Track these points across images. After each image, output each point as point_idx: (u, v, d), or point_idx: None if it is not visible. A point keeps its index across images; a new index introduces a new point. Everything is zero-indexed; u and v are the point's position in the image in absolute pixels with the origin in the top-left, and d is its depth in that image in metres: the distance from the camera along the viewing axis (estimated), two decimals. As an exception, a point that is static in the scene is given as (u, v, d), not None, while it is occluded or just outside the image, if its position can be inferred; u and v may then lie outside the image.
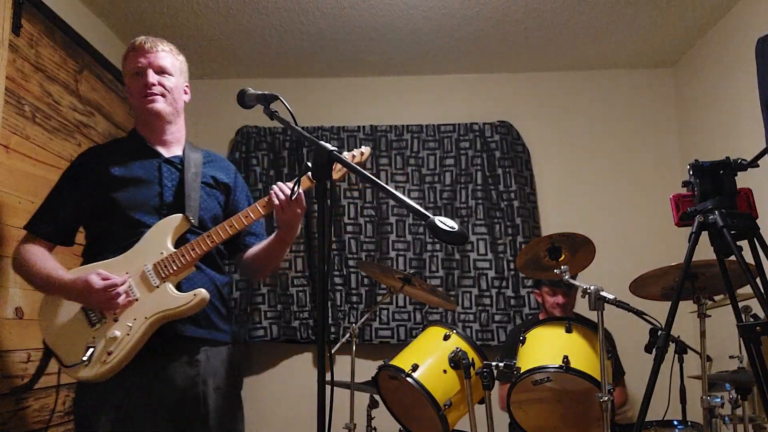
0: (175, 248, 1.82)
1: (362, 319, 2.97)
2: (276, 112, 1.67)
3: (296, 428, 3.64)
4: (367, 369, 3.11)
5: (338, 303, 3.84)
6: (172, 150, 1.98)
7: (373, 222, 3.94)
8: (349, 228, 3.92)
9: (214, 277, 1.92)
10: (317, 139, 1.74)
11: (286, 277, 3.87)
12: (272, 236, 2.01)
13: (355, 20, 3.46)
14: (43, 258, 1.83)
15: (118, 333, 1.74)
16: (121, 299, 1.74)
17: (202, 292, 1.80)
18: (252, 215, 1.88)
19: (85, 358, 1.70)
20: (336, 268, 3.87)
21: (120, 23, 3.47)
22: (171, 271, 1.80)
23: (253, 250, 2.05)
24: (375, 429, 2.92)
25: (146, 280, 1.79)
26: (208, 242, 1.83)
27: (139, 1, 3.26)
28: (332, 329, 3.78)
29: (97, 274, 1.74)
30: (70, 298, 1.78)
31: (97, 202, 1.86)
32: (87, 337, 1.75)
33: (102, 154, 1.95)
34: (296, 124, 1.58)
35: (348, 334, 2.80)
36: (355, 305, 3.85)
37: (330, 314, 3.79)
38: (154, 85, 1.90)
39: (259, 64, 3.98)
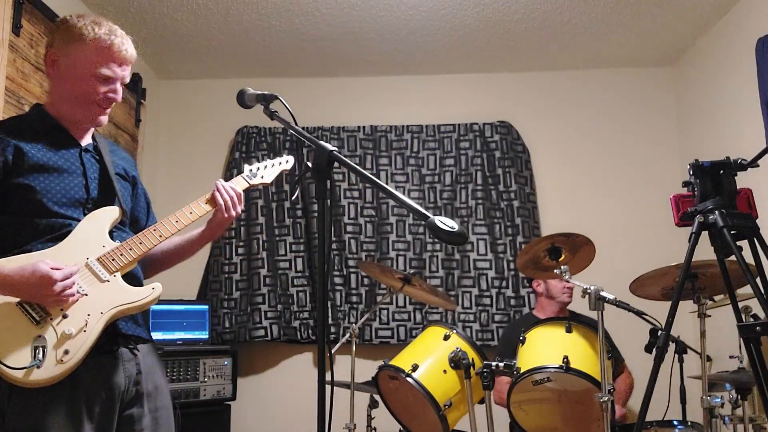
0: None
1: (362, 319, 2.97)
2: (276, 112, 1.67)
3: (296, 428, 3.64)
4: (367, 369, 3.12)
5: (338, 303, 3.84)
6: (86, 138, 1.80)
7: (373, 222, 3.94)
8: (349, 228, 3.92)
9: (137, 272, 1.80)
10: (317, 139, 1.74)
11: (286, 277, 3.87)
12: (195, 232, 1.90)
13: (355, 20, 3.46)
14: None
15: (73, 329, 1.57)
16: (76, 292, 1.58)
17: (159, 286, 1.70)
18: (196, 211, 1.81)
19: (37, 360, 1.52)
20: (336, 268, 3.87)
21: (120, 23, 3.45)
22: (120, 265, 1.68)
23: (163, 244, 1.85)
24: (375, 429, 2.92)
25: (93, 273, 1.65)
26: (157, 236, 1.73)
27: (140, 1, 3.27)
28: (332, 329, 3.78)
29: (46, 263, 1.53)
30: (7, 292, 1.55)
31: (5, 188, 1.62)
32: (30, 336, 1.54)
33: (4, 134, 1.65)
34: (296, 124, 1.58)
35: (348, 334, 2.80)
36: (355, 305, 3.85)
37: (330, 314, 3.79)
38: (114, 101, 1.74)
39: (259, 64, 3.98)
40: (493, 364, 2.36)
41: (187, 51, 3.75)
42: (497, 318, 3.77)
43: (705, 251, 1.94)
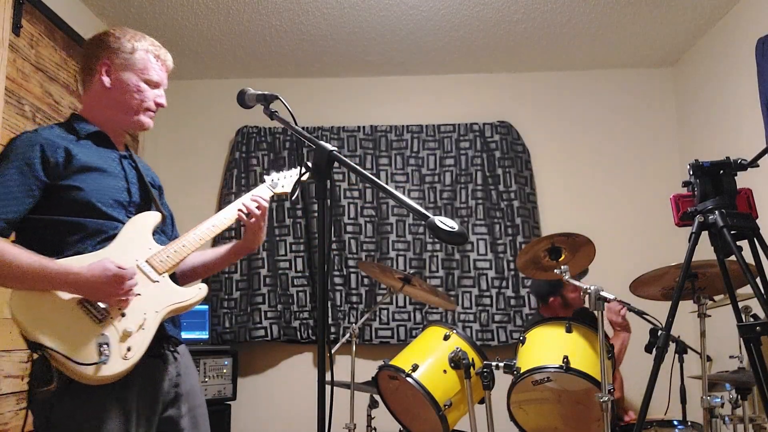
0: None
1: (362, 319, 2.97)
2: (276, 112, 1.67)
3: (296, 428, 3.64)
4: (367, 369, 3.12)
5: (338, 303, 3.84)
6: (120, 147, 1.87)
7: (373, 222, 3.94)
8: (349, 228, 3.92)
9: (174, 276, 1.85)
10: (317, 139, 1.74)
11: (286, 277, 3.87)
12: (230, 245, 2.00)
13: (355, 20, 3.46)
14: (14, 247, 1.57)
15: (132, 327, 1.63)
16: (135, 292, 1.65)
17: (205, 287, 1.77)
18: (229, 216, 1.91)
19: (104, 357, 1.56)
20: (336, 268, 3.87)
21: (120, 23, 3.47)
22: (168, 266, 1.75)
23: (202, 258, 1.97)
24: (375, 429, 2.92)
25: (144, 274, 1.71)
26: (197, 239, 1.81)
27: (140, 1, 3.27)
28: (332, 329, 3.78)
29: (114, 263, 1.59)
30: (73, 289, 1.59)
31: (54, 189, 1.66)
32: (95, 334, 1.58)
33: (53, 138, 1.70)
34: (296, 124, 1.58)
35: (348, 334, 2.80)
36: (355, 305, 3.85)
37: (330, 314, 3.79)
38: (162, 106, 1.88)
39: (259, 64, 3.98)
40: (493, 363, 2.36)
41: (187, 51, 3.75)
42: (497, 318, 3.77)
43: (705, 251, 1.94)
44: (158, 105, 1.86)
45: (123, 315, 1.63)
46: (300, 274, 3.89)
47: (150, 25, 3.49)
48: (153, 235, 1.78)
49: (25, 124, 2.58)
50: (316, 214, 2.55)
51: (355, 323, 2.87)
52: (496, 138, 3.97)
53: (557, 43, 3.75)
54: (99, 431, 1.57)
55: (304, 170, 2.18)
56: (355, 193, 3.97)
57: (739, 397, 2.51)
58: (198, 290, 1.76)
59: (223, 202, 3.98)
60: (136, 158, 1.88)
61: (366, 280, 3.87)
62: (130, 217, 1.74)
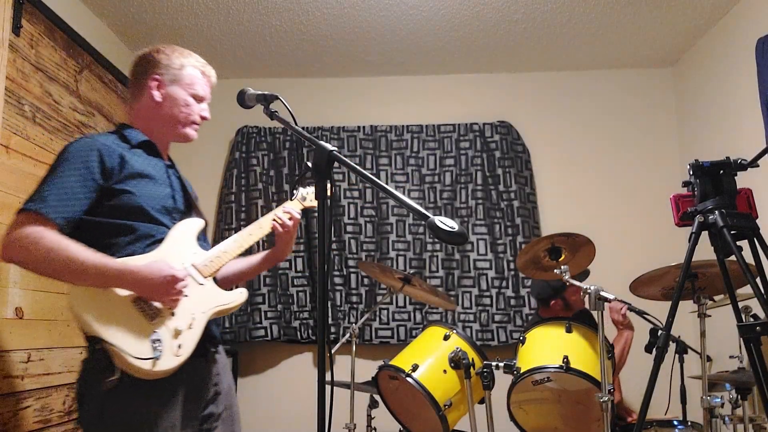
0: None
1: (362, 319, 2.97)
2: (276, 112, 1.68)
3: (296, 428, 3.64)
4: (367, 369, 3.12)
5: (338, 303, 3.84)
6: (165, 157, 1.98)
7: (373, 222, 3.94)
8: (349, 228, 3.92)
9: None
10: (317, 139, 1.74)
11: (286, 277, 3.87)
12: (262, 255, 2.11)
13: (355, 20, 3.46)
14: (76, 244, 1.64)
15: (182, 326, 1.72)
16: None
17: (245, 291, 1.89)
18: (265, 225, 2.02)
19: (158, 353, 1.64)
20: (336, 268, 3.87)
21: (120, 23, 3.47)
22: (212, 270, 1.85)
23: (237, 266, 2.07)
24: (375, 429, 2.92)
25: (191, 277, 1.80)
26: (237, 246, 1.92)
27: (140, 1, 3.27)
28: (332, 329, 3.78)
29: (170, 265, 1.70)
30: (130, 286, 1.67)
31: (108, 192, 1.74)
32: (148, 330, 1.66)
33: (109, 143, 1.80)
34: (296, 124, 1.59)
35: (348, 334, 2.81)
36: (355, 305, 3.85)
37: (330, 314, 3.79)
38: (206, 119, 1.98)
39: (259, 64, 3.98)
40: (494, 363, 2.36)
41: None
42: (497, 318, 3.77)
43: (705, 251, 1.94)
44: (203, 118, 1.96)
45: (173, 314, 1.72)
46: (300, 274, 3.89)
47: (150, 25, 3.49)
48: (196, 240, 1.88)
49: (24, 124, 2.59)
50: (316, 214, 2.56)
51: (355, 323, 2.87)
52: (496, 138, 3.97)
53: (557, 43, 3.75)
54: (151, 425, 1.65)
55: (306, 171, 2.30)
56: (355, 193, 3.97)
57: (739, 397, 2.51)
58: (239, 294, 1.88)
59: (222, 202, 3.98)
60: (177, 168, 1.99)
61: (366, 280, 3.87)
62: (174, 223, 1.83)
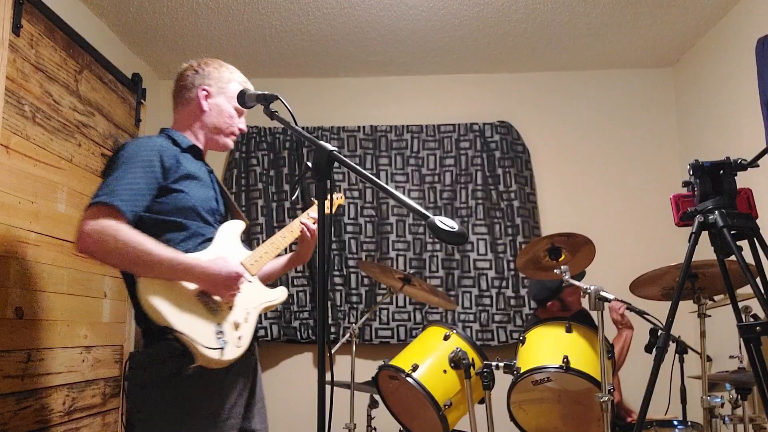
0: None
1: (362, 319, 2.97)
2: (276, 112, 1.68)
3: (296, 428, 3.64)
4: (367, 369, 3.12)
5: (338, 303, 3.84)
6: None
7: (373, 222, 3.94)
8: (349, 228, 3.92)
9: None
10: (317, 139, 1.75)
11: (286, 276, 3.87)
12: (287, 257, 2.23)
13: (355, 20, 3.46)
14: (148, 238, 1.73)
15: (240, 320, 1.84)
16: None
17: (285, 290, 2.05)
18: (296, 229, 2.15)
19: (223, 343, 1.75)
20: (336, 268, 3.87)
21: (120, 23, 3.47)
22: (258, 269, 1.98)
23: (267, 266, 2.15)
24: (375, 429, 2.92)
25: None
26: (275, 248, 2.06)
27: (140, 1, 3.27)
28: (332, 329, 3.78)
29: (231, 262, 1.83)
30: (196, 280, 1.78)
31: (164, 191, 1.83)
32: (211, 323, 1.77)
33: (165, 145, 1.91)
34: (296, 124, 1.59)
35: (348, 334, 2.81)
36: (355, 305, 3.85)
37: (330, 314, 3.80)
38: (243, 132, 2.12)
39: (259, 64, 3.98)
40: (493, 363, 2.36)
41: (187, 51, 3.75)
42: (497, 318, 3.77)
43: (705, 251, 1.94)
44: (240, 131, 2.10)
45: (230, 308, 1.84)
46: (300, 274, 3.90)
47: (150, 25, 3.49)
48: (240, 241, 2.01)
49: (24, 124, 2.59)
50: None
51: (355, 323, 2.87)
52: (496, 138, 3.97)
53: (557, 43, 3.75)
54: (215, 413, 1.76)
55: (340, 195, 2.56)
56: (355, 193, 3.97)
57: (739, 397, 2.51)
58: (281, 292, 2.03)
59: (223, 202, 3.98)
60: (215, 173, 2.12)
61: (366, 280, 3.87)
62: (218, 224, 1.95)
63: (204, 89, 2.02)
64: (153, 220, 1.81)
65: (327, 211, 2.30)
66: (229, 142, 2.09)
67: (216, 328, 1.77)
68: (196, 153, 2.00)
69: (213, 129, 2.04)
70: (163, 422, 1.72)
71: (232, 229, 1.98)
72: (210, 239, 1.89)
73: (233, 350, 1.78)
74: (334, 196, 2.36)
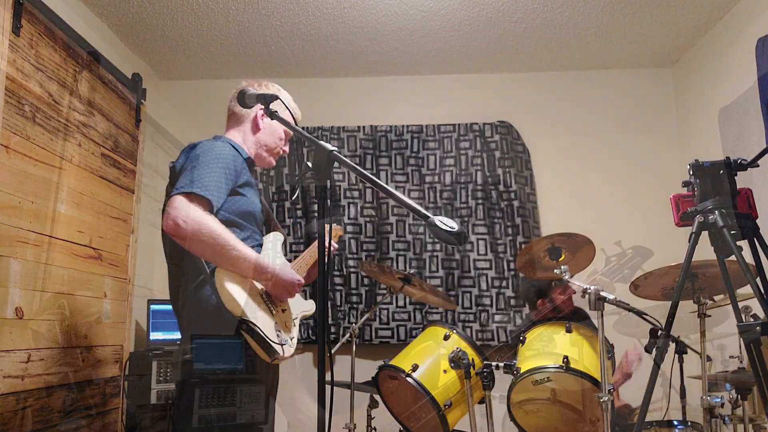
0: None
1: (362, 319, 2.96)
2: (276, 112, 1.68)
3: (296, 428, 3.64)
4: (367, 369, 3.11)
5: (338, 303, 3.84)
6: None
7: (373, 222, 3.94)
8: (349, 228, 3.92)
9: None
10: (317, 139, 1.75)
11: (286, 277, 3.87)
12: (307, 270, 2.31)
13: (355, 20, 3.46)
14: (230, 232, 1.88)
15: (291, 322, 2.00)
16: None
17: (314, 303, 2.18)
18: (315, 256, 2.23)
19: (285, 340, 1.89)
20: (336, 268, 3.87)
21: (120, 23, 3.47)
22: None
23: None
24: (375, 429, 2.92)
25: None
26: (304, 264, 2.18)
27: (140, 1, 3.27)
28: (332, 329, 3.78)
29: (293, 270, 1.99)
30: (266, 283, 1.93)
31: (231, 192, 1.96)
32: (272, 321, 1.90)
33: (233, 152, 2.06)
34: (296, 124, 1.59)
35: (348, 334, 2.80)
36: (355, 305, 3.85)
37: (330, 314, 3.79)
38: (286, 153, 2.30)
39: (259, 64, 3.98)
40: (494, 363, 2.36)
41: (187, 51, 3.75)
42: (497, 318, 3.77)
43: (705, 251, 1.94)
44: (284, 152, 2.27)
45: (284, 311, 2.00)
46: (300, 274, 3.89)
47: (150, 25, 3.49)
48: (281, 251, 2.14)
49: (24, 124, 2.58)
50: (316, 214, 2.59)
51: (355, 323, 2.87)
52: (496, 138, 3.97)
53: (557, 43, 3.75)
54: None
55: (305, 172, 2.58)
56: (355, 193, 3.97)
57: (739, 397, 2.50)
58: (312, 304, 2.17)
59: (223, 202, 3.97)
60: None
61: (366, 280, 3.87)
62: (263, 232, 2.09)
63: (262, 109, 2.06)
64: (221, 217, 1.92)
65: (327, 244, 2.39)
66: (273, 161, 2.24)
67: (275, 327, 1.90)
68: (251, 165, 2.16)
69: (264, 146, 2.20)
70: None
71: (277, 239, 2.13)
72: (260, 245, 2.02)
73: (289, 348, 1.92)
74: (334, 227, 2.45)
